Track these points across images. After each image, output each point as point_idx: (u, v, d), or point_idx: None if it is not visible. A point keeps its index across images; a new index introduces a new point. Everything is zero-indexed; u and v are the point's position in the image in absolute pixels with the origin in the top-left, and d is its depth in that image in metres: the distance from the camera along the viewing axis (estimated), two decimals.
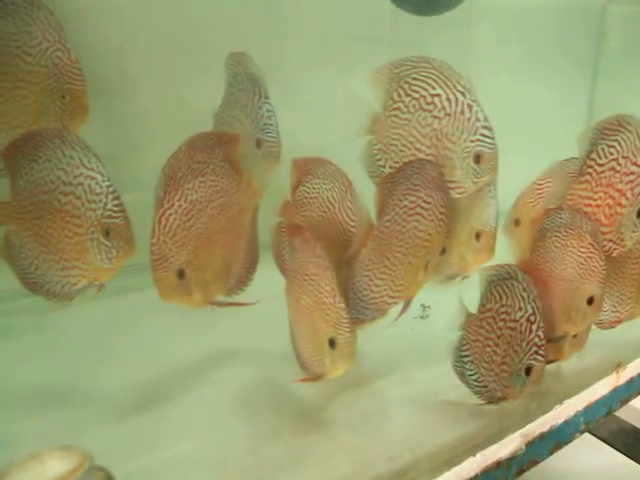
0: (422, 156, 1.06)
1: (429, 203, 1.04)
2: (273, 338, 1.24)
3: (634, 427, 1.90)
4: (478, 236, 1.14)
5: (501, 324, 1.05)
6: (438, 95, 1.04)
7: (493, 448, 0.98)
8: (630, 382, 1.24)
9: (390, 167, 1.08)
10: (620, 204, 1.10)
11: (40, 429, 0.97)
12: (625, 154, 1.09)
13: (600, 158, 1.10)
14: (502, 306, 1.05)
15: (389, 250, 1.05)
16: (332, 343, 0.97)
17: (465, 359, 1.09)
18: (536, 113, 1.12)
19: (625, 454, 1.79)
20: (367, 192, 1.06)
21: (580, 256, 1.08)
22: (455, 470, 0.93)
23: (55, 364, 1.17)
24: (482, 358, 1.07)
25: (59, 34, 1.10)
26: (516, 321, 1.03)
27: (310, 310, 0.99)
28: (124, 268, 1.02)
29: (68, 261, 0.99)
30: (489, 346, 1.06)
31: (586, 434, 1.81)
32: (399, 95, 1.06)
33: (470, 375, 1.09)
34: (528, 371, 1.03)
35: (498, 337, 1.05)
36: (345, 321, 0.96)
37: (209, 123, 1.18)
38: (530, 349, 1.02)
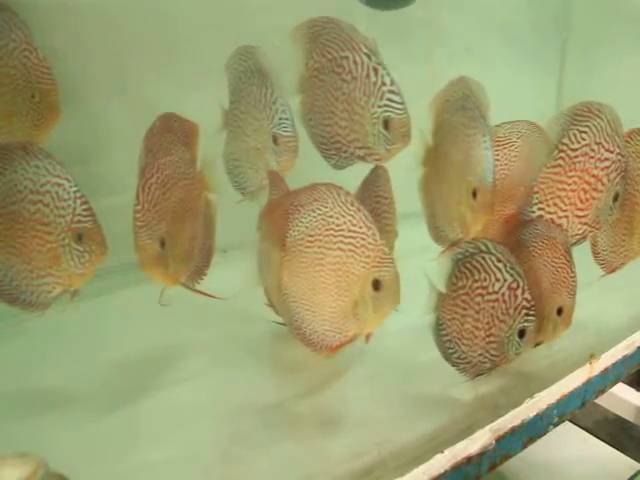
0: (337, 120, 1.05)
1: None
2: (247, 334, 1.25)
3: (618, 416, 1.91)
4: (475, 194, 1.09)
5: (478, 299, 1.04)
6: (346, 57, 1.02)
7: (462, 444, 0.97)
8: (605, 372, 1.23)
9: (317, 128, 1.08)
10: (596, 189, 1.12)
11: (7, 435, 0.97)
12: (598, 140, 1.11)
13: (572, 143, 1.12)
14: (475, 281, 1.04)
15: None
16: (377, 285, 0.95)
17: (444, 338, 1.08)
18: (505, 99, 1.12)
19: (609, 444, 1.79)
20: None
21: (553, 266, 1.09)
22: (423, 467, 0.93)
23: (27, 368, 1.16)
24: (462, 335, 1.06)
25: (25, 34, 1.10)
26: (496, 292, 1.03)
27: (340, 264, 0.96)
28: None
29: (42, 269, 1.00)
30: (468, 323, 1.06)
31: (570, 424, 1.82)
32: (317, 55, 1.05)
33: (452, 353, 1.08)
34: (521, 334, 1.03)
35: (477, 312, 1.05)
36: (388, 257, 0.95)
37: None
38: (519, 313, 1.02)
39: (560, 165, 1.12)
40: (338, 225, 0.96)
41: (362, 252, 0.95)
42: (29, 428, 0.99)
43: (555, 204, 1.13)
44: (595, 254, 1.22)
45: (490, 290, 1.03)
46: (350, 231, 0.95)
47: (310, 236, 0.98)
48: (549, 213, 1.13)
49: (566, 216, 1.13)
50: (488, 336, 1.04)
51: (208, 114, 1.24)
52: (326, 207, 0.96)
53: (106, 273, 1.10)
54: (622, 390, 1.92)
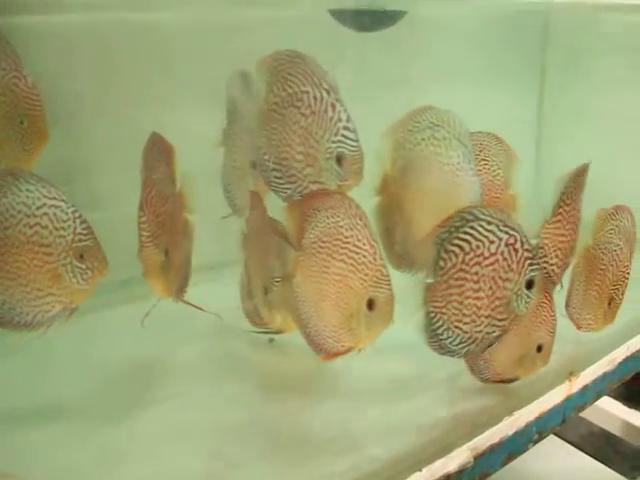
0: (294, 154, 1.05)
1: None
2: (232, 351, 1.26)
3: (604, 430, 1.92)
4: None
5: (476, 269, 0.99)
6: (306, 92, 1.03)
7: (440, 462, 0.99)
8: (584, 390, 1.25)
9: (272, 162, 1.07)
10: (575, 239, 1.21)
11: None
12: (581, 197, 1.19)
13: (568, 199, 1.18)
14: (467, 254, 0.99)
15: None
16: (370, 304, 0.97)
17: (440, 329, 1.02)
18: (485, 119, 1.14)
19: (595, 458, 1.81)
20: None
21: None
22: None
23: (15, 385, 1.17)
24: (463, 314, 1.01)
25: (15, 62, 1.12)
26: (494, 254, 0.99)
27: (342, 276, 0.98)
28: None
29: (40, 290, 1.01)
30: (468, 298, 1.01)
31: (556, 438, 1.83)
32: (278, 89, 1.05)
33: (451, 342, 1.03)
34: (529, 285, 1.01)
35: (476, 282, 1.00)
36: (385, 278, 0.97)
37: None
38: (523, 265, 0.99)
39: (560, 220, 1.17)
40: (346, 237, 0.98)
41: (362, 269, 0.97)
42: (14, 444, 1.00)
43: (557, 256, 1.18)
44: (566, 306, 1.23)
45: (487, 254, 0.99)
46: (355, 246, 0.97)
47: (322, 241, 1.00)
48: (551, 265, 1.18)
49: (563, 265, 1.20)
50: (492, 302, 1.00)
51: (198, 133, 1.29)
52: (338, 217, 0.98)
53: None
54: (608, 404, 1.93)
